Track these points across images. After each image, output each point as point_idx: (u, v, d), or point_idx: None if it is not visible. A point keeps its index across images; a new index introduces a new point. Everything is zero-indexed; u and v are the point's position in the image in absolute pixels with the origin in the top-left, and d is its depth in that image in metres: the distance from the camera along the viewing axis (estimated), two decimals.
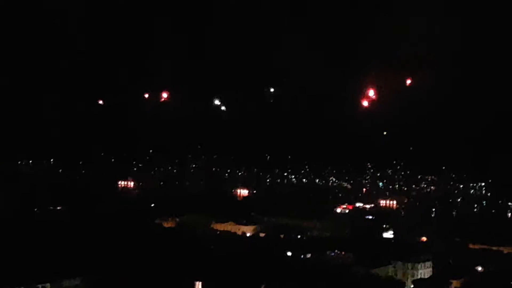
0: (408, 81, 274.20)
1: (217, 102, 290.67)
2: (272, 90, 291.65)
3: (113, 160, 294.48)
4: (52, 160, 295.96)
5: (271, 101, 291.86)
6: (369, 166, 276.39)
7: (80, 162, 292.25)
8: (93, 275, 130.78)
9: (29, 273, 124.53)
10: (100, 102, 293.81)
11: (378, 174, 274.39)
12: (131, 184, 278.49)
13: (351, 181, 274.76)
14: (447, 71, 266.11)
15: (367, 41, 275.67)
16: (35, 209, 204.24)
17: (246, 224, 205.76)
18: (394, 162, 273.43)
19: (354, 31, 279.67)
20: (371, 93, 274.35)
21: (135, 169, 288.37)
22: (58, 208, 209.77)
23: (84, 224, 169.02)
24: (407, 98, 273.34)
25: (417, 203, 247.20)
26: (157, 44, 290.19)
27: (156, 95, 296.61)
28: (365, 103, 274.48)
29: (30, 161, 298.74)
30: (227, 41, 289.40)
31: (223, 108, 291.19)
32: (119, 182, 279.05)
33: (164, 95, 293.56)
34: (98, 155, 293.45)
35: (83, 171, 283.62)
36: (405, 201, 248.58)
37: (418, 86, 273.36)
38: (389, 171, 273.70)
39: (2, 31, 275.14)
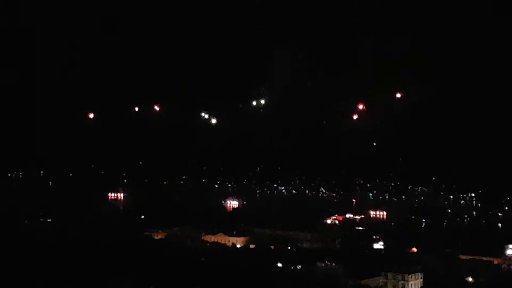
0: (398, 95, 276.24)
1: (206, 113, 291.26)
2: (262, 102, 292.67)
3: (102, 172, 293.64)
4: (42, 172, 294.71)
5: (261, 111, 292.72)
6: (359, 177, 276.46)
7: (70, 174, 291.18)
8: (82, 286, 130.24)
9: (17, 285, 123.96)
10: (90, 114, 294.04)
11: (368, 185, 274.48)
12: (121, 196, 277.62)
13: (341, 192, 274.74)
14: (437, 83, 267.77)
15: (357, 52, 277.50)
16: (25, 221, 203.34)
17: (236, 236, 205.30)
18: (384, 173, 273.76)
19: (345, 42, 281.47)
20: (361, 106, 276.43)
21: (124, 180, 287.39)
22: (48, 220, 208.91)
23: (73, 236, 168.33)
24: (396, 110, 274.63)
25: (407, 214, 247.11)
26: (146, 56, 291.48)
27: (146, 107, 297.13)
28: (354, 117, 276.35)
29: (20, 173, 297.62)
30: (217, 51, 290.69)
31: (213, 120, 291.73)
32: (109, 194, 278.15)
33: (156, 107, 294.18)
34: (88, 167, 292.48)
35: (73, 183, 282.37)
36: (395, 212, 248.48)
37: (408, 98, 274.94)
38: (379, 182, 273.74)
39: None
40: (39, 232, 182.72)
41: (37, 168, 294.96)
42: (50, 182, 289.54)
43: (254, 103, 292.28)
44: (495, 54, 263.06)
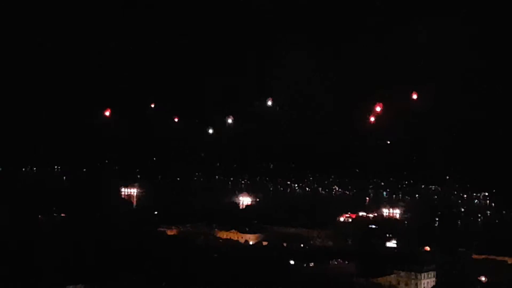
0: (414, 96, 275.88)
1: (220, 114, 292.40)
2: (276, 101, 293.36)
3: (116, 167, 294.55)
4: (56, 167, 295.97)
5: (276, 109, 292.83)
6: (372, 175, 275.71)
7: (84, 169, 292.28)
8: (95, 281, 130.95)
9: (32, 279, 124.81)
10: (106, 111, 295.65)
11: (382, 184, 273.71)
12: (134, 192, 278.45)
13: (354, 190, 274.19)
14: (451, 82, 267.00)
15: (372, 53, 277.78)
16: (39, 216, 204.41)
17: (249, 233, 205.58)
18: (398, 171, 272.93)
19: (361, 45, 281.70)
20: (376, 105, 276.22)
21: (138, 176, 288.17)
22: (62, 215, 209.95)
23: (87, 231, 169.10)
24: (411, 108, 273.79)
25: (421, 213, 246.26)
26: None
27: (161, 105, 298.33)
28: (369, 115, 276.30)
29: (34, 168, 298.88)
30: (234, 51, 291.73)
31: (229, 120, 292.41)
32: (123, 190, 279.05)
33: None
34: (102, 163, 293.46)
35: (87, 178, 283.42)
36: (408, 210, 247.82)
37: (423, 97, 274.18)
38: (393, 180, 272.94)
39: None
40: (53, 226, 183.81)
41: (51, 163, 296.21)
42: (64, 177, 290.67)
43: (269, 103, 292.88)
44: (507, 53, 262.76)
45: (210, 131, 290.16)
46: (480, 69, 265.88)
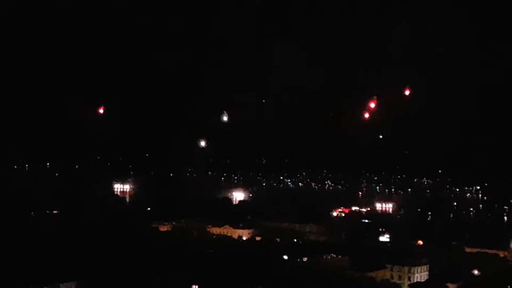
0: (407, 92, 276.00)
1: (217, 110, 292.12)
2: (268, 97, 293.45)
3: (109, 164, 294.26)
4: (48, 163, 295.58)
5: (270, 105, 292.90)
6: (365, 170, 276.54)
7: (76, 166, 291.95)
8: (88, 278, 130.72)
9: (25, 276, 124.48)
10: (99, 107, 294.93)
11: (375, 178, 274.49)
12: (127, 187, 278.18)
13: (347, 185, 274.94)
14: (444, 77, 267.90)
15: (366, 50, 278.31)
16: (32, 213, 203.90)
17: (242, 228, 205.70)
18: (391, 166, 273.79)
19: (353, 38, 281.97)
20: (372, 104, 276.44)
21: (131, 172, 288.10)
22: (55, 212, 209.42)
23: (80, 227, 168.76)
24: (403, 104, 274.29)
25: (414, 207, 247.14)
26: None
27: (153, 100, 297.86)
28: (361, 111, 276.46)
29: (26, 165, 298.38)
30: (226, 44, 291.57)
31: (224, 117, 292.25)
32: (116, 186, 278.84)
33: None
34: (94, 159, 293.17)
35: (79, 175, 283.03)
36: (401, 204, 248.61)
37: (415, 92, 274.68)
38: (385, 175, 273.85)
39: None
40: (46, 223, 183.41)
41: (43, 160, 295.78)
42: (57, 174, 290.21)
43: (263, 99, 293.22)
44: (498, 50, 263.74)
45: (203, 126, 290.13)
46: (473, 64, 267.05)
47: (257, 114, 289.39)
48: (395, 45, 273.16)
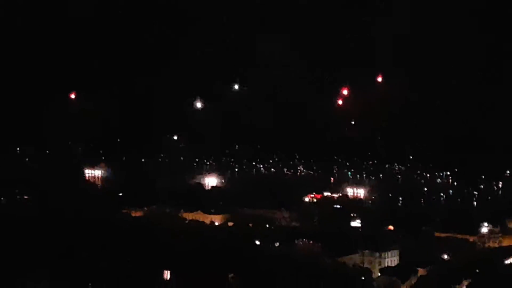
0: (379, 79, 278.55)
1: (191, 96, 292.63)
2: (244, 85, 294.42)
3: (80, 149, 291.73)
4: (18, 149, 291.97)
5: (242, 91, 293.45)
6: (337, 156, 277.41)
7: (47, 151, 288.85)
8: (58, 267, 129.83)
9: None
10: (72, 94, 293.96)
11: (347, 164, 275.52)
12: (99, 173, 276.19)
13: (319, 171, 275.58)
14: (416, 64, 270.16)
15: (341, 38, 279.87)
16: (1, 199, 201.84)
17: (214, 214, 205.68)
18: (362, 152, 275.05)
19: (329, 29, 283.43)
20: (345, 92, 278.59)
21: (102, 158, 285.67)
22: (25, 197, 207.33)
23: (50, 213, 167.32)
24: (376, 91, 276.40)
25: (384, 193, 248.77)
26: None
27: (127, 84, 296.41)
28: (339, 102, 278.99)
29: None
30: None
31: (198, 104, 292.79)
32: (87, 171, 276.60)
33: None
34: (65, 144, 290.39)
35: (49, 160, 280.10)
36: (373, 190, 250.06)
37: (389, 80, 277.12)
38: (357, 161, 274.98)
39: None
40: (16, 209, 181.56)
41: (13, 144, 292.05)
42: (27, 159, 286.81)
43: (236, 86, 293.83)
44: (475, 43, 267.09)
45: (177, 113, 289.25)
46: (445, 51, 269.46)
47: (229, 101, 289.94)
48: (369, 33, 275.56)
